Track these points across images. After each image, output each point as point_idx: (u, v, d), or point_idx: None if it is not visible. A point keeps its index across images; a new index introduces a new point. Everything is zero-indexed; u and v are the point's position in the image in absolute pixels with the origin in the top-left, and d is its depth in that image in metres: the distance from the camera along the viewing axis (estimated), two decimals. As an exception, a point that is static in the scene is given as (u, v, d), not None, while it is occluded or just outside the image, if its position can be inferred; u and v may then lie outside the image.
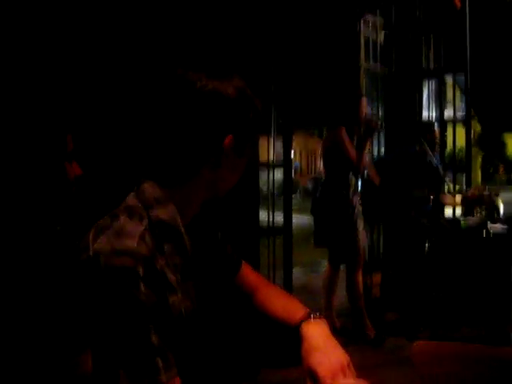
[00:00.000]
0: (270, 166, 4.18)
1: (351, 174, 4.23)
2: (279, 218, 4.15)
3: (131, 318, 0.99)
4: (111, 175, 2.79)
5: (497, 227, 4.48)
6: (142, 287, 1.01)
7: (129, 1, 3.04)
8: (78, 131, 2.66)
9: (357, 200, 4.25)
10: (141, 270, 1.01)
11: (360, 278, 4.36)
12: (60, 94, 2.74)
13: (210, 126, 1.11)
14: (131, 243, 1.03)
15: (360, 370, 1.14)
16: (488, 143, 21.43)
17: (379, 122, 5.01)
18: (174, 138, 1.12)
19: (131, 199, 1.14)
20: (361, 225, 4.25)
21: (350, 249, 4.24)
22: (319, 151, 4.55)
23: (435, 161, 4.36)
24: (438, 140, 4.89)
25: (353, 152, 4.17)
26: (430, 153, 4.13)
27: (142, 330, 0.99)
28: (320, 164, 4.54)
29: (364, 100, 4.38)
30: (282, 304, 1.31)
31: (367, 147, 4.27)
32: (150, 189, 1.14)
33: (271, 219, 4.18)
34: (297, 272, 5.40)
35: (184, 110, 1.11)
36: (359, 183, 4.48)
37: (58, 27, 2.78)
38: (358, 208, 4.25)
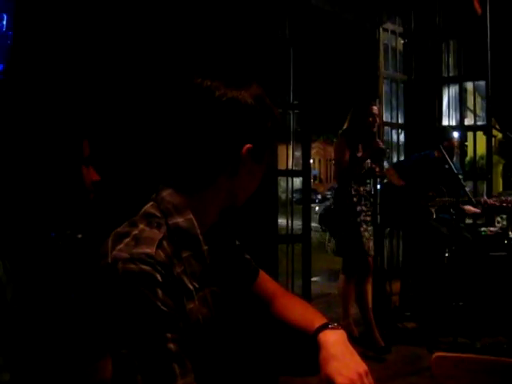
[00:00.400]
0: (289, 174, 4.18)
1: (354, 183, 4.23)
2: (298, 225, 4.15)
3: (149, 323, 0.99)
4: (129, 181, 2.80)
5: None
6: (160, 293, 1.01)
7: (146, 10, 3.06)
8: (95, 136, 2.68)
9: (362, 209, 4.23)
10: (158, 276, 1.02)
11: (368, 288, 4.34)
12: (77, 99, 2.76)
13: (227, 134, 1.12)
14: (149, 250, 1.04)
15: (378, 379, 1.13)
16: (509, 151, 21.15)
17: (387, 149, 4.96)
18: (192, 146, 1.13)
19: (150, 206, 1.15)
20: (366, 234, 4.22)
21: (357, 258, 4.23)
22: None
23: (455, 168, 4.32)
24: (456, 146, 4.84)
25: (345, 164, 4.19)
26: (449, 159, 4.09)
27: (160, 336, 1.00)
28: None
29: (374, 108, 4.36)
30: (300, 312, 1.30)
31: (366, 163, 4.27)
32: (168, 196, 1.15)
33: (290, 227, 4.18)
34: (315, 280, 5.39)
35: (202, 119, 1.11)
36: (368, 191, 4.46)
37: (77, 34, 2.80)
38: (364, 217, 4.24)
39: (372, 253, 4.30)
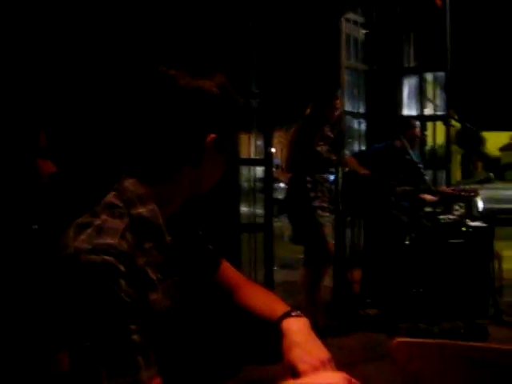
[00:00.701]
0: (251, 163, 4.19)
1: (309, 170, 4.28)
2: (260, 214, 4.16)
3: (112, 314, 0.98)
4: (88, 172, 2.76)
5: (475, 224, 4.55)
6: (123, 284, 1.00)
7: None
8: (52, 127, 2.62)
9: (317, 195, 4.27)
10: (122, 267, 1.01)
11: (323, 274, 4.41)
12: (33, 88, 2.70)
13: (192, 123, 1.11)
14: (112, 240, 1.03)
15: (341, 366, 1.14)
16: (467, 141, 21.62)
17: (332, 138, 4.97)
18: (156, 136, 1.12)
19: (112, 197, 1.13)
20: (321, 219, 4.27)
21: (315, 245, 4.28)
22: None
23: (415, 158, 4.40)
24: (418, 137, 4.93)
25: (299, 152, 4.27)
26: (410, 149, 4.17)
27: (123, 328, 0.99)
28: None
29: (337, 102, 4.42)
30: (263, 301, 1.30)
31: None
32: (131, 186, 1.13)
33: (252, 216, 4.19)
34: (277, 268, 5.41)
35: (167, 108, 1.10)
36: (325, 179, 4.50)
37: (32, 22, 2.73)
38: (320, 203, 4.28)
39: (330, 239, 4.35)
